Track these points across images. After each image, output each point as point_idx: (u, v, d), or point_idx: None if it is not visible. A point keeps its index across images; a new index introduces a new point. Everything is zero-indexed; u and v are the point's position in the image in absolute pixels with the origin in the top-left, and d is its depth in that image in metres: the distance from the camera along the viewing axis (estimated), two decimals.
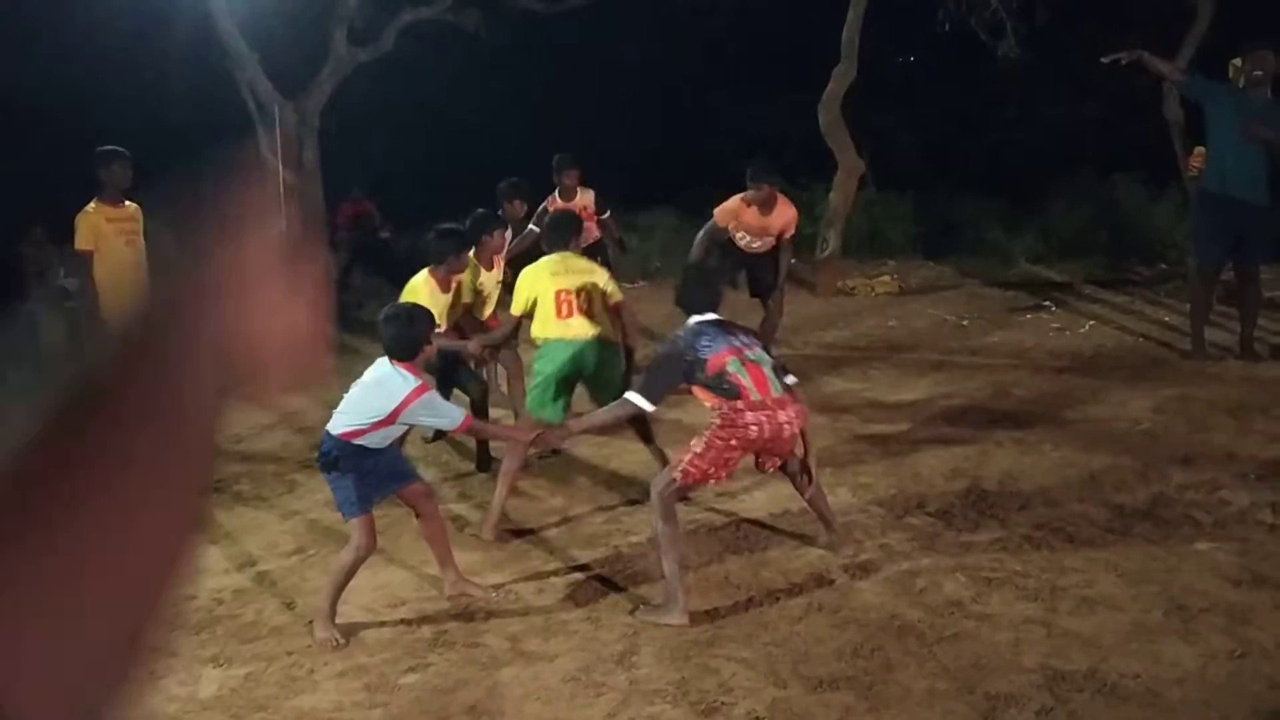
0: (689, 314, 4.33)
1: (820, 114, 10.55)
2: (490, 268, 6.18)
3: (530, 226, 7.56)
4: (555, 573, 4.48)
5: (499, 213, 6.86)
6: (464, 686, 3.60)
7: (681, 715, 3.32)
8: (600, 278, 5.21)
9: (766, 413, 4.04)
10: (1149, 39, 11.00)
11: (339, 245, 13.34)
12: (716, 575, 4.30)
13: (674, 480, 4.07)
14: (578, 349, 5.01)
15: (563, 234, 5.34)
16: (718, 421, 4.07)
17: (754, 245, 7.04)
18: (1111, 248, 11.21)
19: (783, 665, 3.55)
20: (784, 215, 6.90)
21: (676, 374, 4.21)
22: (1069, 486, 4.96)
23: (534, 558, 4.66)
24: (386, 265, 13.70)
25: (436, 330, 4.68)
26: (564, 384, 5.03)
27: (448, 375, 5.60)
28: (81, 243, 6.43)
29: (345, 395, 4.10)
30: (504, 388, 6.65)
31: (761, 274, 7.15)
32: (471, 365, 5.93)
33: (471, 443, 6.15)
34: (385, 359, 4.03)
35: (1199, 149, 7.52)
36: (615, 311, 5.22)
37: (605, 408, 4.51)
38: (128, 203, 6.62)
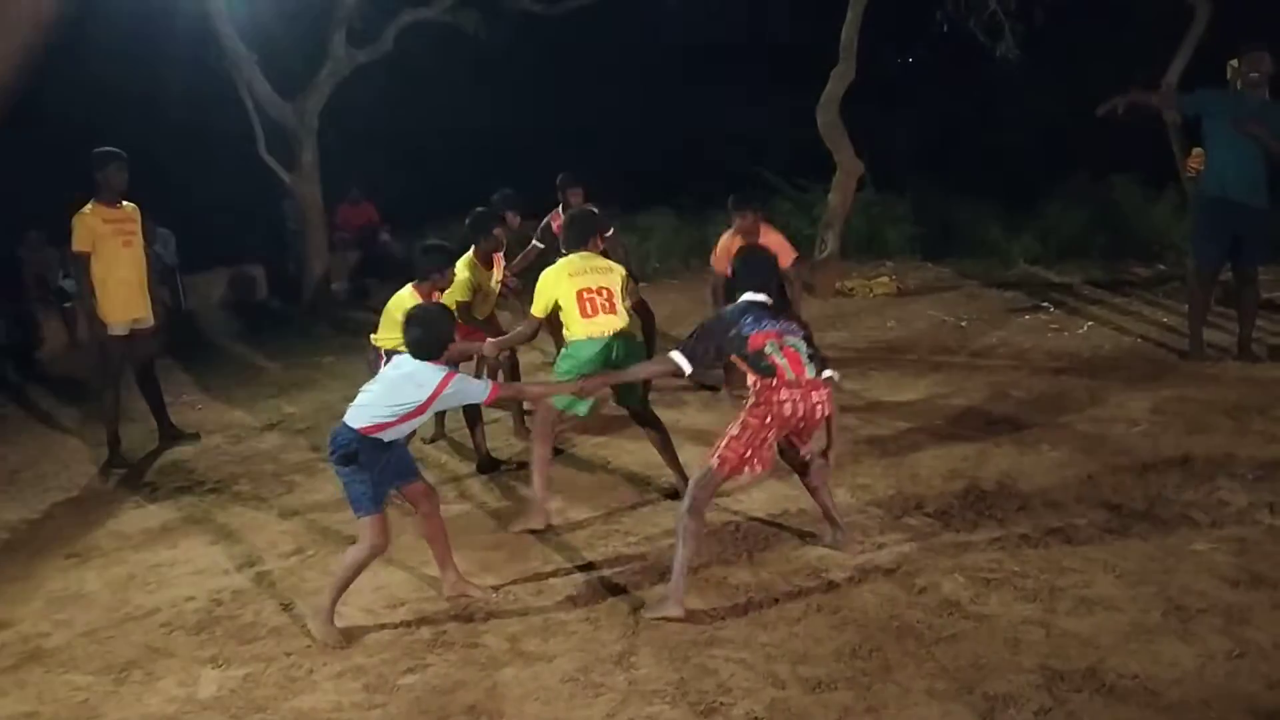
0: (742, 293, 4.43)
1: (819, 115, 10.56)
2: (489, 266, 6.18)
3: (534, 242, 7.66)
4: (554, 573, 4.49)
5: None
6: (463, 687, 3.61)
7: (680, 715, 3.33)
8: (620, 275, 5.26)
9: (800, 391, 4.12)
10: (1146, 40, 11.05)
11: (338, 246, 13.36)
12: (715, 576, 4.30)
13: (711, 469, 4.09)
14: (606, 345, 5.04)
15: (581, 233, 5.36)
16: (752, 399, 4.15)
17: None
18: (1110, 249, 11.22)
19: (781, 666, 3.55)
20: (770, 240, 6.67)
21: (718, 343, 4.29)
22: (1067, 487, 4.96)
23: (533, 558, 4.66)
24: (385, 266, 13.74)
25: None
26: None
27: None
28: (78, 244, 6.43)
29: (363, 390, 4.09)
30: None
31: None
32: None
33: (470, 443, 6.15)
34: (407, 358, 4.06)
35: (1196, 150, 7.53)
36: (636, 307, 5.31)
37: (646, 362, 4.73)
38: (125, 203, 6.62)
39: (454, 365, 4.31)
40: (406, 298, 5.38)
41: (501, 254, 6.38)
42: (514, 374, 6.35)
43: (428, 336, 4.04)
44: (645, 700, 3.42)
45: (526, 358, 7.56)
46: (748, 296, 4.41)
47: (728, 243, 6.75)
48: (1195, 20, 9.35)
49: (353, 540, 4.97)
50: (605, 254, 7.79)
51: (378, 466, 4.01)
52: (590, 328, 5.06)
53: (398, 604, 4.29)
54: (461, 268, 5.87)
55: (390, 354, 5.14)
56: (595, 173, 7.95)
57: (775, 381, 4.11)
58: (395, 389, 4.00)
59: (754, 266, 4.54)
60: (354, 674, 3.76)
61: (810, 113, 10.67)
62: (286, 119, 11.58)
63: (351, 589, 4.47)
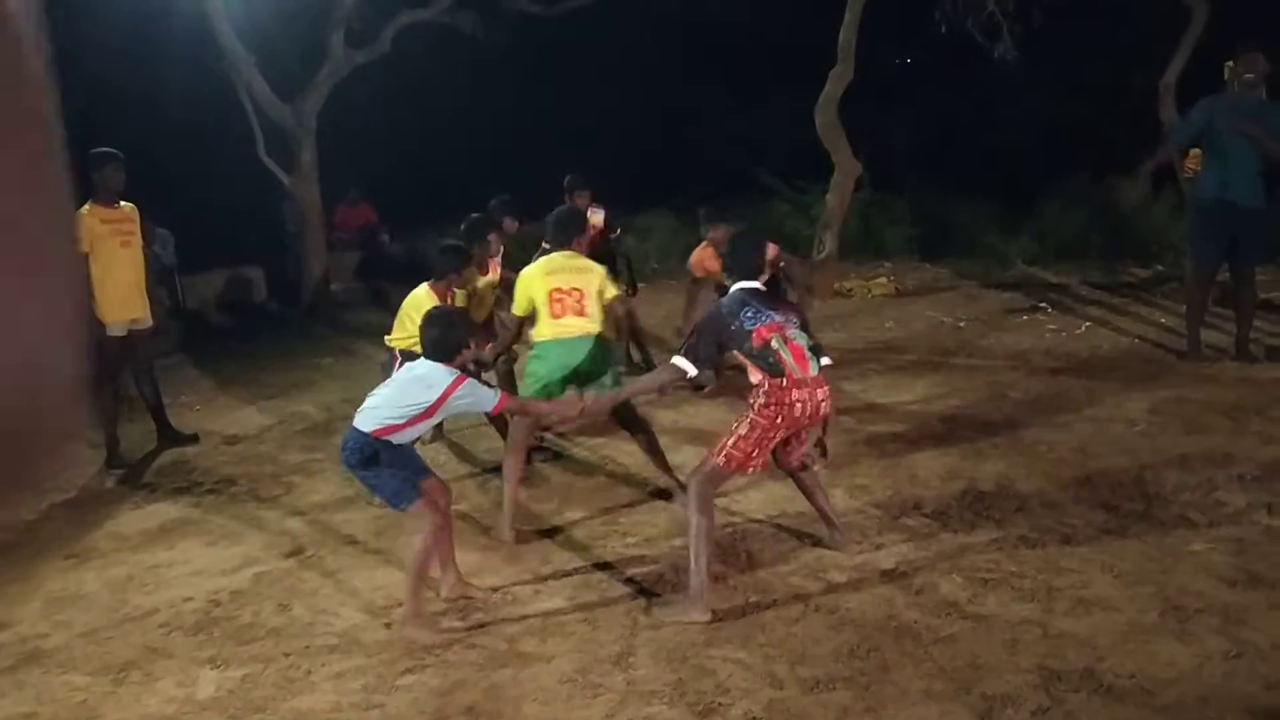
0: (732, 280, 4.37)
1: (817, 116, 10.57)
2: (486, 271, 6.19)
3: (544, 245, 7.64)
4: (552, 574, 4.49)
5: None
6: (461, 687, 3.61)
7: (678, 716, 3.33)
8: (597, 275, 5.18)
9: (808, 390, 4.09)
10: (1144, 41, 11.07)
11: (336, 247, 13.35)
12: (713, 576, 4.30)
13: (716, 465, 4.07)
14: (572, 348, 5.00)
15: (566, 232, 5.33)
16: (762, 399, 4.09)
17: None
18: (1107, 250, 11.23)
19: (780, 666, 3.56)
20: None
21: (720, 340, 4.22)
22: (1065, 488, 4.97)
23: (531, 559, 4.66)
24: (384, 267, 13.74)
25: None
26: (560, 383, 5.04)
27: None
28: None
29: (372, 394, 4.09)
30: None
31: None
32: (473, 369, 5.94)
33: (468, 444, 6.16)
34: (421, 360, 4.07)
35: (1194, 150, 7.53)
36: (611, 309, 5.23)
37: (650, 374, 4.63)
38: (123, 203, 6.62)
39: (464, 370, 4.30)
40: (423, 298, 5.39)
41: (498, 259, 6.38)
42: (511, 380, 6.34)
43: (445, 338, 4.04)
44: (643, 701, 3.42)
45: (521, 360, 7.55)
46: (741, 285, 4.33)
47: (702, 255, 6.91)
48: (1193, 21, 9.38)
49: (353, 540, 5.00)
50: (611, 254, 7.88)
51: (396, 462, 4.02)
52: (557, 329, 5.02)
53: (396, 604, 4.29)
54: None
55: (405, 355, 5.15)
56: (593, 174, 7.94)
57: (785, 381, 4.07)
58: (405, 390, 4.00)
59: (744, 252, 4.48)
60: (353, 674, 3.77)
61: (808, 113, 10.68)
62: (285, 120, 11.58)
63: (349, 590, 4.48)
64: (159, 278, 7.55)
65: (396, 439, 4.01)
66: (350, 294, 13.12)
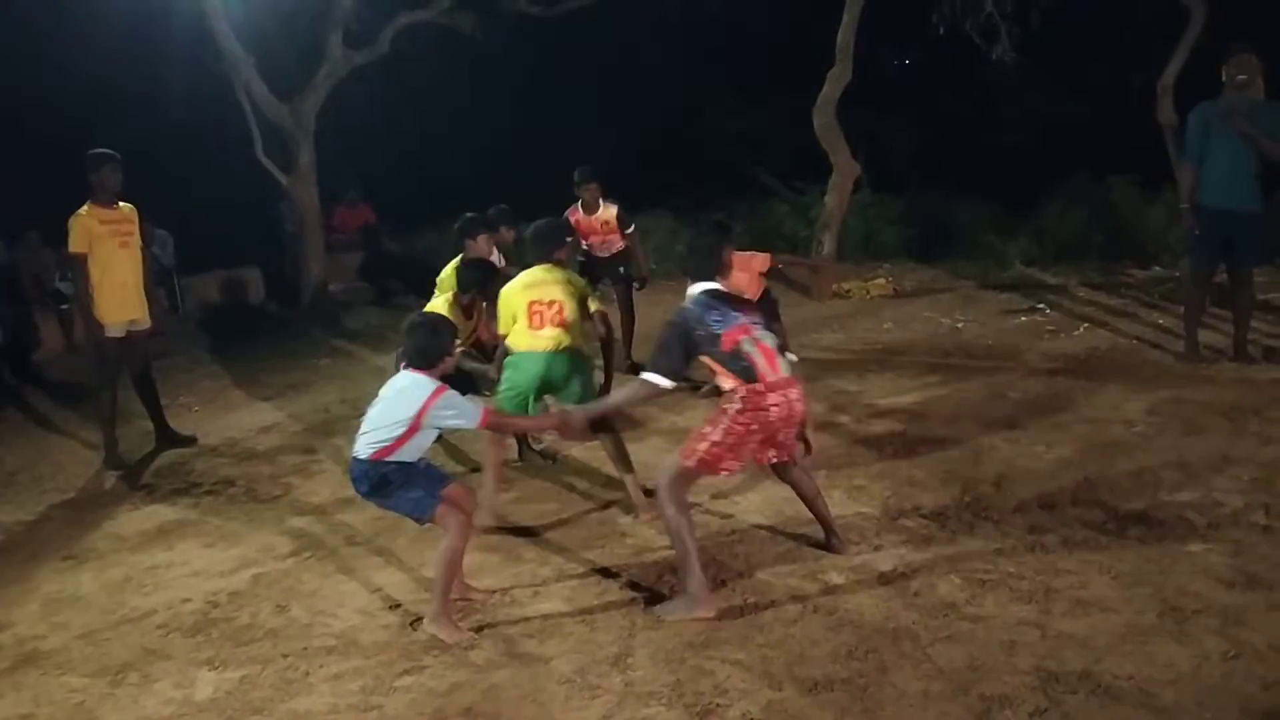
0: (693, 281, 4.25)
1: (815, 117, 10.57)
2: None
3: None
4: (550, 575, 4.48)
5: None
6: (459, 689, 3.61)
7: (676, 717, 3.33)
8: (577, 288, 5.16)
9: (782, 392, 4.03)
10: (1143, 42, 11.07)
11: (335, 248, 13.34)
12: (712, 578, 4.30)
13: (685, 468, 4.02)
14: (547, 360, 4.98)
15: (545, 245, 5.27)
16: (738, 405, 4.00)
17: None
18: (1105, 250, 11.24)
19: (778, 667, 3.56)
20: (752, 263, 6.52)
21: (688, 348, 4.10)
22: (1063, 489, 4.97)
23: (529, 560, 4.66)
24: (384, 267, 13.75)
25: (458, 349, 4.69)
26: (535, 393, 5.02)
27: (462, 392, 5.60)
28: (74, 246, 6.43)
29: (365, 416, 4.05)
30: None
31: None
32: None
33: (466, 444, 6.16)
34: (402, 373, 4.04)
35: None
36: (595, 320, 5.21)
37: (622, 390, 4.44)
38: (122, 204, 6.62)
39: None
40: (444, 308, 5.40)
41: (495, 261, 6.38)
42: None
43: (427, 344, 4.01)
44: (641, 702, 3.42)
45: None
46: (702, 287, 4.22)
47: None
48: (1191, 22, 9.37)
49: (351, 541, 5.00)
50: (621, 253, 7.96)
51: (412, 476, 3.99)
52: (534, 340, 5.01)
53: (395, 605, 4.29)
54: (448, 273, 5.90)
55: None
56: (591, 172, 7.94)
57: (760, 385, 3.99)
58: (390, 407, 3.96)
59: (701, 252, 4.35)
60: (351, 676, 3.77)
61: (807, 114, 10.68)
62: (283, 121, 11.57)
63: (347, 591, 4.48)
64: (157, 278, 7.54)
65: (397, 458, 3.96)
66: (349, 295, 13.11)
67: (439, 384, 3.98)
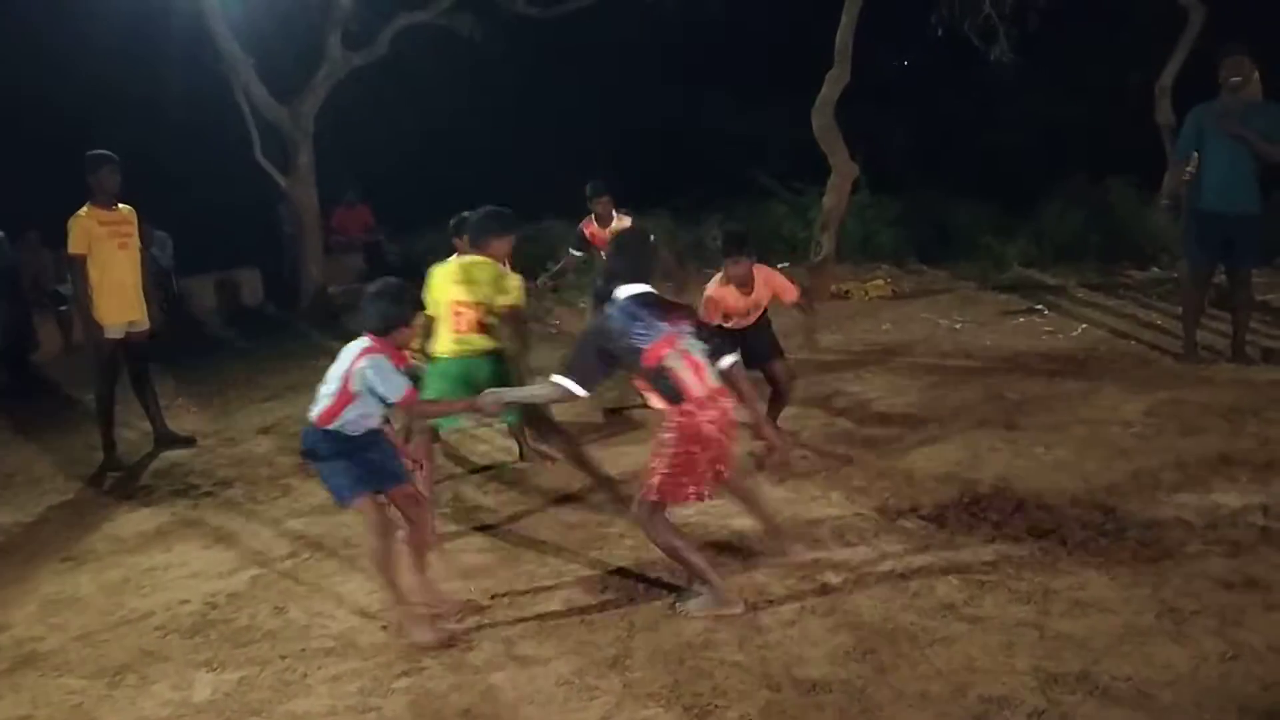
0: (617, 284, 3.96)
1: (814, 118, 10.57)
2: None
3: (570, 251, 7.81)
4: (549, 576, 4.48)
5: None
6: (457, 690, 3.61)
7: (675, 718, 3.33)
8: (501, 287, 4.96)
9: (714, 405, 3.83)
10: (1141, 43, 11.08)
11: (334, 249, 13.35)
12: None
13: (649, 504, 3.91)
14: (471, 366, 4.87)
15: (482, 233, 5.05)
16: (671, 433, 3.82)
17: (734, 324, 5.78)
18: (1104, 251, 11.24)
19: (776, 668, 3.56)
20: (773, 284, 5.78)
21: (606, 358, 3.88)
22: (1061, 489, 4.97)
23: (527, 561, 4.66)
24: (379, 268, 13.73)
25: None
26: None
27: None
28: (74, 247, 6.43)
29: None
30: None
31: (755, 343, 5.75)
32: None
33: (469, 445, 6.15)
34: None
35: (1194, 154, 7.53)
36: (507, 318, 5.01)
37: (534, 386, 4.19)
38: (121, 205, 6.62)
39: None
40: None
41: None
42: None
43: (385, 309, 3.87)
44: (640, 703, 3.42)
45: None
46: (628, 290, 3.92)
47: (717, 294, 5.62)
48: (1189, 23, 9.38)
49: (349, 543, 5.00)
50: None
51: (349, 455, 3.90)
52: (457, 345, 4.90)
53: (392, 607, 4.28)
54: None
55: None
56: (590, 176, 7.93)
57: (689, 405, 3.78)
58: (332, 369, 3.90)
59: (628, 249, 4.09)
60: (349, 677, 3.76)
61: (805, 116, 10.68)
62: (282, 122, 11.58)
63: (345, 592, 4.48)
64: (156, 280, 7.53)
65: (338, 426, 3.87)
66: (348, 296, 13.10)
67: (371, 344, 3.86)
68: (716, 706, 3.36)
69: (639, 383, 3.95)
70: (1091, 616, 3.74)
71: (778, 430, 5.37)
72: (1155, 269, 10.61)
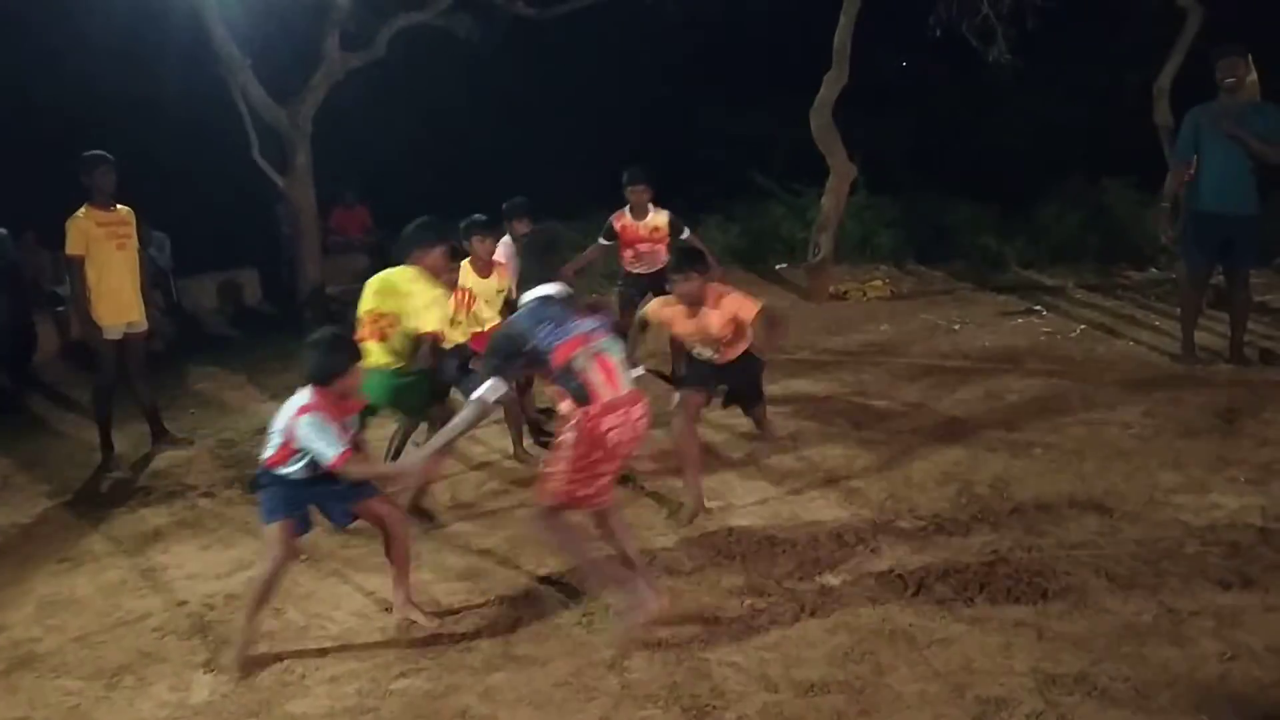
0: (527, 287, 3.88)
1: (812, 119, 10.57)
2: (485, 275, 6.15)
3: (600, 240, 7.46)
4: (547, 577, 4.48)
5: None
6: (456, 691, 3.60)
7: (672, 719, 3.33)
8: (416, 303, 4.93)
9: (623, 412, 3.68)
10: (1139, 44, 11.08)
11: (331, 250, 13.33)
12: (708, 580, 4.30)
13: (544, 507, 3.78)
14: (390, 377, 4.86)
15: (410, 245, 5.05)
16: (572, 434, 3.68)
17: (709, 355, 5.33)
18: (1102, 252, 11.24)
19: (774, 669, 3.56)
20: (727, 305, 5.10)
21: (515, 362, 3.78)
22: (1059, 490, 4.97)
23: (525, 562, 4.65)
24: (376, 269, 13.70)
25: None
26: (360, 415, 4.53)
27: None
28: (71, 248, 6.42)
29: None
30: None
31: (738, 381, 5.49)
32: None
33: (460, 448, 6.14)
34: None
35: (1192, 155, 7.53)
36: (417, 340, 4.94)
37: (460, 417, 3.91)
38: (119, 206, 6.61)
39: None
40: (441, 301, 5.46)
41: (508, 263, 6.33)
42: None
43: (319, 360, 3.83)
44: (638, 704, 3.42)
45: None
46: (537, 292, 3.81)
47: (664, 314, 5.27)
48: (1187, 24, 9.38)
49: (347, 544, 4.99)
50: (665, 270, 6.60)
51: (285, 484, 3.87)
52: (380, 356, 4.91)
53: (390, 608, 4.28)
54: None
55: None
56: (587, 177, 7.89)
57: (594, 409, 3.63)
58: (278, 416, 3.87)
59: (537, 250, 4.01)
60: (347, 678, 3.76)
61: (804, 117, 10.68)
62: (280, 122, 11.56)
63: (343, 593, 4.47)
64: (154, 280, 7.53)
65: (290, 473, 3.84)
66: (347, 296, 13.08)
67: (313, 401, 3.80)
68: (714, 707, 3.36)
69: (550, 389, 3.85)
70: (1090, 617, 3.75)
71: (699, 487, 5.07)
72: (1153, 270, 10.61)
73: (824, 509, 4.98)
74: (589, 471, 3.72)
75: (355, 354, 3.95)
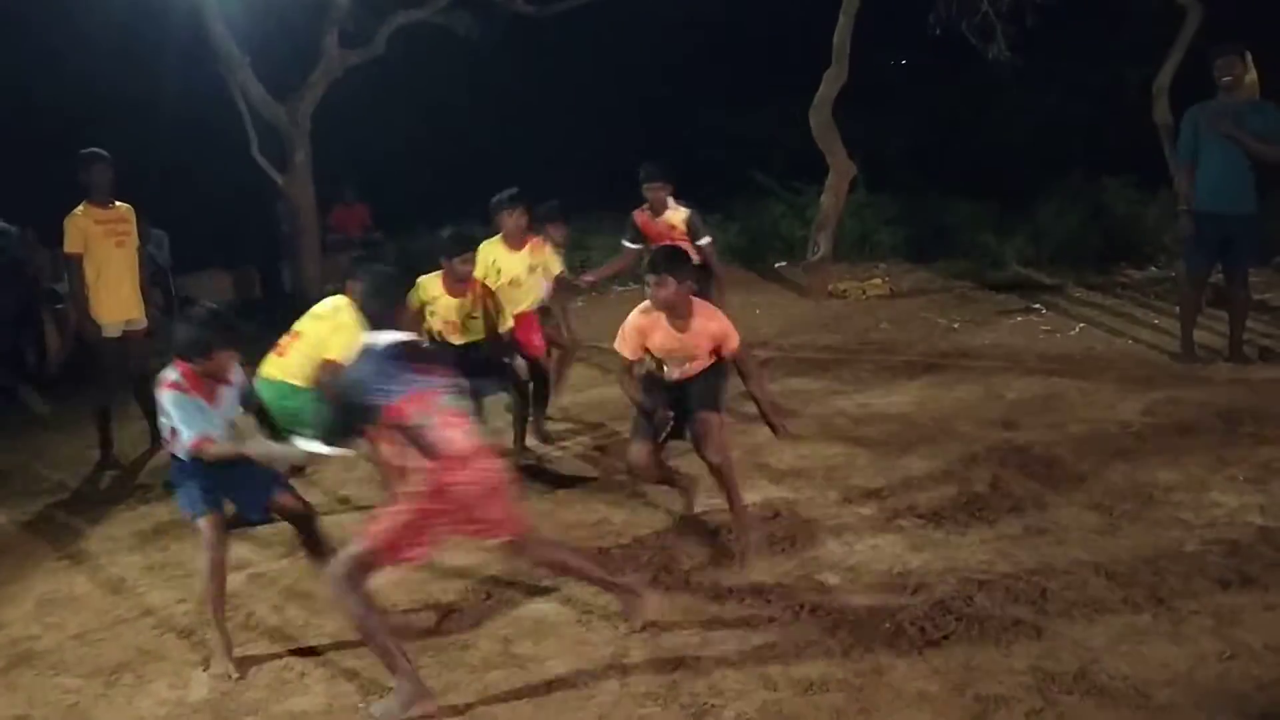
0: (370, 327, 3.60)
1: (811, 117, 10.56)
2: (517, 248, 6.16)
3: (624, 243, 6.90)
4: (546, 575, 4.47)
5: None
6: (454, 689, 3.60)
7: (671, 718, 3.33)
8: (322, 329, 5.07)
9: (470, 468, 3.43)
10: (1139, 42, 11.08)
11: (331, 248, 13.33)
12: (708, 578, 4.30)
13: (360, 551, 3.43)
14: (274, 390, 4.87)
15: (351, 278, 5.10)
16: (419, 486, 3.43)
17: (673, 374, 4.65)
18: (1101, 251, 11.23)
19: (773, 667, 3.56)
20: (709, 329, 4.50)
21: (353, 414, 3.51)
22: (1059, 489, 4.97)
23: (524, 560, 4.64)
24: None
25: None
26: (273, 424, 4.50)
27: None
28: (70, 246, 6.42)
29: None
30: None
31: (693, 390, 4.62)
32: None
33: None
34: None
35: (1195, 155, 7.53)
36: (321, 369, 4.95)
37: (280, 446, 3.87)
38: (118, 203, 6.61)
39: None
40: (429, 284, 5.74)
41: (523, 235, 6.27)
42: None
43: (179, 334, 3.84)
44: (637, 703, 3.42)
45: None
46: (380, 339, 3.50)
47: (643, 323, 4.51)
48: (1187, 22, 9.37)
49: (346, 542, 4.98)
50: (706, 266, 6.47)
51: (195, 475, 3.86)
52: (264, 368, 5.09)
53: (389, 607, 4.28)
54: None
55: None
56: (587, 174, 7.85)
57: (441, 465, 3.39)
58: None
59: (380, 287, 3.67)
60: (346, 676, 3.76)
61: (803, 115, 10.67)
62: (279, 120, 11.56)
63: None
64: (153, 278, 7.51)
65: (175, 451, 3.84)
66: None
67: (176, 380, 3.81)
68: (713, 706, 3.36)
69: (384, 443, 3.73)
70: (1089, 616, 3.75)
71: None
72: (1153, 268, 10.61)
73: (823, 507, 4.98)
74: (421, 526, 3.46)
75: (227, 337, 3.89)
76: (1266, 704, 3.16)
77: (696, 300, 4.47)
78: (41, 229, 9.73)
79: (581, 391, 7.31)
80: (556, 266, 6.46)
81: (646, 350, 4.55)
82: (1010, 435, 5.82)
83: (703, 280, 5.97)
